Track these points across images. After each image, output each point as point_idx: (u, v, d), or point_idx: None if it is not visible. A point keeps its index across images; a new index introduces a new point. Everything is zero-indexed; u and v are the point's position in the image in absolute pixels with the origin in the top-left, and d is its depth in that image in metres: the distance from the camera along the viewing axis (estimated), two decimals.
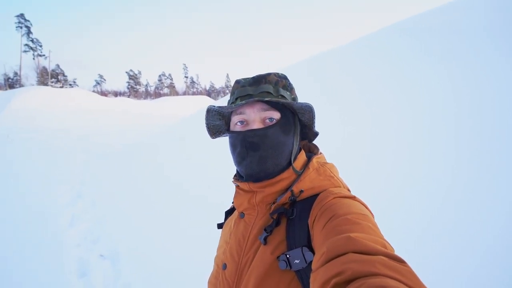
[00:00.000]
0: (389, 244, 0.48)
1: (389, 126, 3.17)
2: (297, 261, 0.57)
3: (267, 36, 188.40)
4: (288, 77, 0.76)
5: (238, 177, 0.75)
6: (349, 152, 3.04)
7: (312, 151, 0.79)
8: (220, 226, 0.86)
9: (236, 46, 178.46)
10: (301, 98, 1.07)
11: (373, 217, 0.58)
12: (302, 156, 0.73)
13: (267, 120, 0.68)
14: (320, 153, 0.76)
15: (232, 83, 0.76)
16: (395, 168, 2.62)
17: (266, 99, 0.65)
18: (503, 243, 1.67)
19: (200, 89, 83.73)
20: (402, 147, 2.80)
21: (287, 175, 0.68)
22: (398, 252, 0.57)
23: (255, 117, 0.68)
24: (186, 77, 79.08)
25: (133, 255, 3.00)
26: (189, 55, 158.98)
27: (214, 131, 0.79)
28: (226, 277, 0.69)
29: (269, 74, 0.71)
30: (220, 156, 5.00)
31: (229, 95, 0.96)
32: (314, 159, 0.71)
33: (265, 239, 0.64)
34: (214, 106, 0.72)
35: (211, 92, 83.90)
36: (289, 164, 0.70)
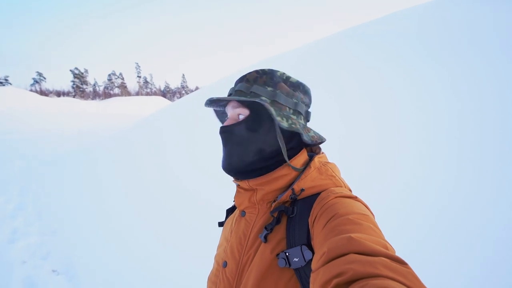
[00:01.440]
0: (390, 245, 0.49)
1: (391, 125, 3.05)
2: (296, 260, 0.58)
3: (227, 37, 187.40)
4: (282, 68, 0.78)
5: None
6: (350, 151, 2.95)
7: (314, 151, 0.80)
8: (221, 224, 0.86)
9: (194, 45, 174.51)
10: None
11: (374, 218, 0.58)
12: (304, 155, 0.73)
13: (240, 116, 0.71)
14: (322, 152, 0.76)
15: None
16: (397, 167, 2.53)
17: (216, 97, 0.71)
18: (507, 243, 1.65)
19: (154, 89, 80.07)
20: (404, 146, 2.71)
21: (286, 172, 0.69)
22: (402, 252, 0.59)
23: (230, 113, 0.73)
24: (139, 76, 75.05)
25: (91, 269, 2.76)
26: (142, 54, 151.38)
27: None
28: (227, 275, 0.69)
29: (250, 72, 0.73)
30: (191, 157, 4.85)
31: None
32: (316, 158, 0.71)
33: (265, 237, 0.64)
34: (209, 103, 0.76)
35: (166, 93, 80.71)
36: (263, 160, 0.69)
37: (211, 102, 0.75)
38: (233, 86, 0.75)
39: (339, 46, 5.58)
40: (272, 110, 0.65)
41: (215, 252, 0.82)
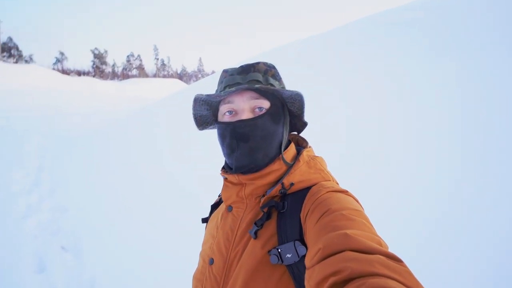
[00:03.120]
0: (383, 240, 0.49)
1: (395, 121, 2.94)
2: (289, 255, 0.57)
3: (244, 22, 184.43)
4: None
5: (226, 169, 0.73)
6: (353, 148, 2.86)
7: (300, 144, 0.78)
8: (205, 220, 0.83)
9: (211, 30, 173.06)
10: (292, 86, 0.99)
11: (364, 212, 0.58)
12: (292, 149, 0.72)
13: (257, 109, 0.67)
14: (309, 146, 0.75)
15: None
16: (400, 167, 2.45)
17: (256, 86, 0.63)
18: (511, 244, 1.61)
19: (171, 72, 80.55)
20: (408, 143, 2.62)
21: (277, 167, 0.67)
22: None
23: (244, 106, 0.66)
24: (157, 59, 75.53)
25: (97, 247, 2.84)
26: (160, 36, 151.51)
27: (201, 122, 0.77)
28: (214, 272, 0.67)
29: (258, 63, 0.70)
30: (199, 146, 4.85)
31: (215, 81, 0.92)
32: (304, 152, 0.70)
33: (255, 233, 0.62)
34: (201, 94, 0.70)
35: (182, 76, 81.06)
36: (278, 155, 0.69)
37: (207, 98, 0.70)
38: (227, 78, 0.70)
39: (343, 40, 5.43)
40: (304, 104, 0.69)
41: (193, 249, 0.83)
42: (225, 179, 0.72)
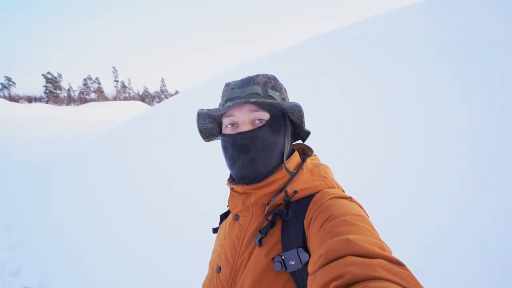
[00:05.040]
0: (387, 245, 0.48)
1: (399, 124, 2.94)
2: (292, 262, 0.57)
3: (208, 38, 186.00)
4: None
5: (231, 179, 0.74)
6: (357, 150, 2.84)
7: (306, 153, 0.80)
8: (215, 230, 0.85)
9: (172, 49, 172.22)
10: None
11: (369, 218, 0.59)
12: (296, 157, 0.73)
13: (257, 121, 0.68)
14: (314, 154, 0.77)
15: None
16: (404, 168, 2.44)
17: (252, 100, 0.65)
18: None
19: (133, 93, 78.14)
20: (412, 145, 2.61)
21: (280, 176, 0.68)
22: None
23: (244, 118, 0.68)
24: (117, 81, 73.11)
25: (65, 283, 2.61)
26: (119, 58, 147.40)
27: (207, 134, 0.79)
28: (221, 280, 0.68)
29: (257, 76, 0.72)
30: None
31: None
32: (308, 160, 0.72)
33: (260, 240, 0.63)
34: (203, 109, 0.71)
35: (145, 97, 79.02)
36: (281, 164, 0.70)
37: (206, 112, 0.71)
38: (229, 91, 0.72)
39: (343, 42, 5.38)
40: (303, 114, 0.71)
41: (209, 258, 0.81)
42: (232, 189, 0.74)
